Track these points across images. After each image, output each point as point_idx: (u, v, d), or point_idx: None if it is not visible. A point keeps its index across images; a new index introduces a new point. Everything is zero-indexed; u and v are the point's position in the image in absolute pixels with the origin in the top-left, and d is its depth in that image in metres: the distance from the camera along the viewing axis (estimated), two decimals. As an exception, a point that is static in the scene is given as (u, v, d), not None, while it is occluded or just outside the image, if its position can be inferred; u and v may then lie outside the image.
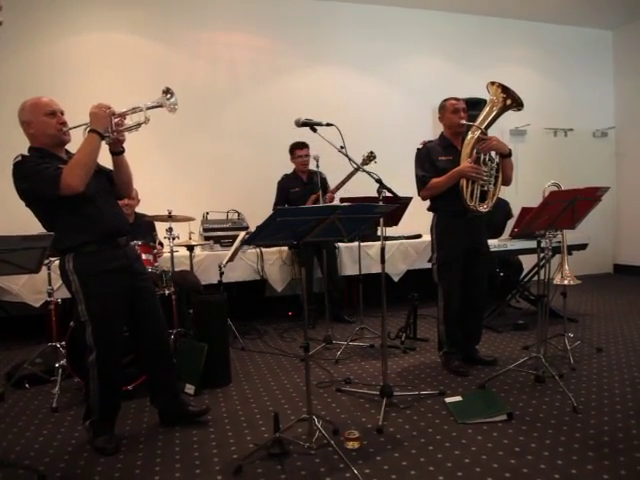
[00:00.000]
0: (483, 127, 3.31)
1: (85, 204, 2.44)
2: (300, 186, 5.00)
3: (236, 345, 4.20)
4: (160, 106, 2.50)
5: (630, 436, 2.47)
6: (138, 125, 2.54)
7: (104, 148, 2.51)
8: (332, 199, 4.72)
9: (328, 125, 2.83)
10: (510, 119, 6.34)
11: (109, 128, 2.47)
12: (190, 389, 3.22)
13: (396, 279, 5.30)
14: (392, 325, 4.55)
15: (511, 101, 3.33)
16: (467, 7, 6.47)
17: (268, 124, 5.64)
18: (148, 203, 4.37)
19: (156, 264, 3.83)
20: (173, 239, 3.99)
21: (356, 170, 4.06)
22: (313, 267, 4.97)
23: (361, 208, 2.53)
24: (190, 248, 4.24)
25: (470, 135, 3.34)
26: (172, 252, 4.01)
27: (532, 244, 4.38)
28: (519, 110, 3.36)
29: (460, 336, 3.56)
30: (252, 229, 4.49)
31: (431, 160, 3.42)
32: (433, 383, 3.31)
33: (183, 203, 4.64)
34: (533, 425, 2.62)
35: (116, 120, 2.50)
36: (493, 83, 3.33)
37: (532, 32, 6.93)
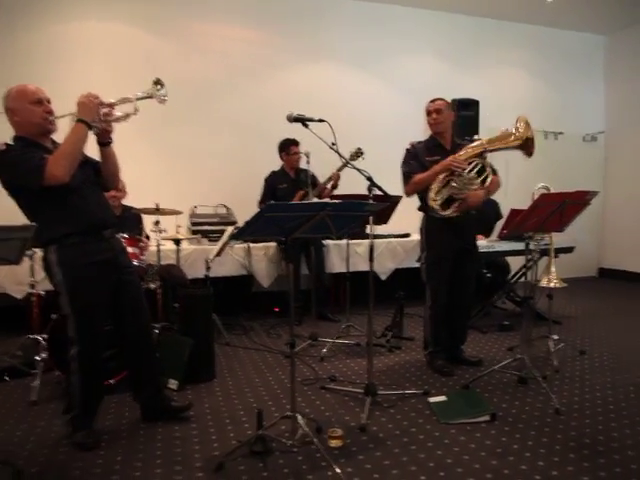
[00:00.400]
0: (489, 146, 3.32)
1: (70, 195, 2.40)
2: (288, 183, 4.97)
3: (221, 340, 4.16)
4: (150, 97, 2.47)
5: (610, 438, 2.50)
6: (127, 116, 2.50)
7: (91, 139, 2.47)
8: (338, 177, 4.66)
9: (320, 121, 2.81)
10: (502, 121, 6.34)
11: (97, 118, 2.43)
12: (173, 384, 3.19)
13: (384, 277, 5.30)
14: (378, 323, 4.54)
15: (521, 145, 3.27)
16: (464, 8, 6.46)
17: (260, 119, 5.60)
18: (136, 196, 4.31)
19: (142, 257, 3.78)
20: (160, 232, 3.95)
21: (344, 165, 4.04)
22: (300, 264, 4.96)
23: (351, 206, 2.52)
24: (177, 242, 4.20)
25: (475, 144, 3.35)
26: (159, 246, 3.97)
27: (519, 246, 4.40)
28: (524, 155, 3.32)
29: (446, 336, 3.57)
30: (240, 224, 4.45)
31: (418, 159, 3.45)
32: (418, 382, 3.31)
33: (171, 196, 4.59)
34: (515, 426, 2.63)
35: (104, 110, 2.46)
36: (526, 122, 3.26)
37: (527, 35, 6.94)
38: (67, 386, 2.55)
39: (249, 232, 2.33)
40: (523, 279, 4.18)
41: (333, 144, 2.87)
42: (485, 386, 3.19)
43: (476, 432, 2.57)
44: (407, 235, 5.50)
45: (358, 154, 4.41)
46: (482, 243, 4.43)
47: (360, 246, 5.11)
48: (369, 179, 2.85)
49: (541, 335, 3.85)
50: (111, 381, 3.08)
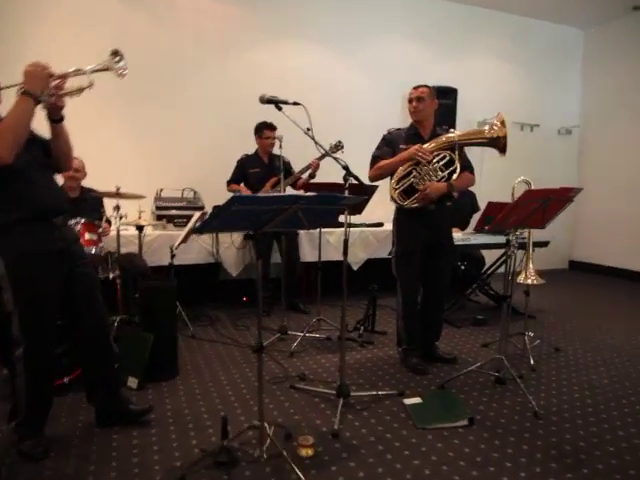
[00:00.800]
0: (459, 139, 3.15)
1: (15, 178, 2.14)
2: (261, 167, 4.76)
3: (185, 332, 3.95)
4: (106, 70, 2.22)
5: (591, 445, 2.41)
6: (80, 90, 2.25)
7: (42, 114, 2.21)
8: (317, 167, 4.52)
9: (295, 104, 2.61)
10: (479, 110, 6.26)
11: (46, 91, 2.17)
12: (133, 383, 2.97)
13: (355, 268, 5.13)
14: (350, 316, 4.37)
15: (490, 142, 3.15)
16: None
17: (231, 99, 5.32)
18: (97, 178, 4.02)
19: (101, 244, 3.53)
20: (120, 218, 3.69)
21: (324, 156, 3.87)
22: (271, 251, 4.77)
23: (326, 198, 2.28)
24: (140, 228, 3.94)
25: (447, 135, 3.19)
26: (118, 232, 3.71)
27: (495, 239, 4.33)
28: (498, 153, 3.17)
29: (419, 332, 3.44)
30: (208, 209, 4.21)
31: (392, 146, 3.32)
32: (391, 381, 3.17)
33: (135, 178, 4.33)
34: (494, 432, 2.52)
35: (55, 82, 2.20)
36: (502, 121, 3.11)
37: (508, 24, 6.81)
38: (12, 389, 2.31)
39: (214, 225, 2.12)
40: (500, 271, 4.09)
41: (308, 129, 2.69)
42: (461, 386, 3.08)
43: (454, 438, 2.45)
44: (380, 225, 5.35)
45: (338, 147, 4.24)
46: (457, 236, 4.30)
47: (332, 235, 4.95)
48: (345, 168, 2.68)
49: (517, 332, 3.77)
50: (65, 380, 2.85)
